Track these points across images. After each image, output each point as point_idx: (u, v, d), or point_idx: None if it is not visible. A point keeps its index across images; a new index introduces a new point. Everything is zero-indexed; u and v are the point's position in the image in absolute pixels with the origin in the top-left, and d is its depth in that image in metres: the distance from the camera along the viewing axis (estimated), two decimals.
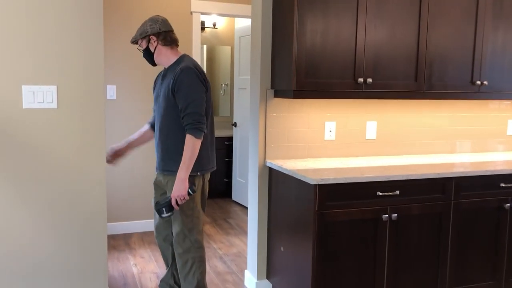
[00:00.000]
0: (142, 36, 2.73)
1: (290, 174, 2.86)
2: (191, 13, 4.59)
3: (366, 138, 3.45)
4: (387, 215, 2.80)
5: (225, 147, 5.89)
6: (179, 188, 2.57)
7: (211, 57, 6.52)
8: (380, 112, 3.46)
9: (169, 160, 2.72)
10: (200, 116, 2.59)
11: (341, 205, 2.72)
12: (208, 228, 4.77)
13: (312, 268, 2.68)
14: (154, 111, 2.89)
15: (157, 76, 2.91)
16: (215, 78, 6.57)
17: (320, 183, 2.63)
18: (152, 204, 2.84)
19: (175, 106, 2.64)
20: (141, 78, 4.47)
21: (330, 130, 3.34)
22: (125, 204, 4.49)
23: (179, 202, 2.60)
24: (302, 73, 2.86)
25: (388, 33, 3.04)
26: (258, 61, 3.17)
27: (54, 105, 2.69)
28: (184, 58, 2.75)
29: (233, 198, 5.89)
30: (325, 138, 3.34)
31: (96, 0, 2.66)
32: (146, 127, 3.04)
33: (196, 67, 2.66)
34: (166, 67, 2.80)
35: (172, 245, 2.87)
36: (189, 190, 2.60)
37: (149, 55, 2.78)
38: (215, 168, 2.86)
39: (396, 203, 2.83)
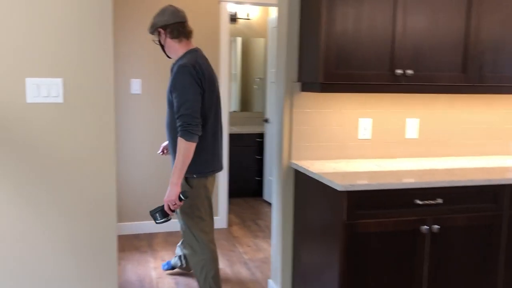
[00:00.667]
0: (152, 29, 2.70)
1: (316, 178, 2.55)
2: (219, 2, 4.32)
3: (406, 137, 3.08)
4: (427, 227, 2.44)
5: (256, 144, 5.61)
6: (170, 193, 2.54)
7: (246, 50, 6.25)
8: (422, 108, 3.08)
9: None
10: (192, 118, 2.50)
11: (373, 214, 2.38)
12: (236, 230, 4.51)
13: (340, 283, 2.36)
14: None
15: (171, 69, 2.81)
16: (249, 72, 6.30)
17: (349, 189, 2.30)
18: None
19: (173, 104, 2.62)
20: (167, 72, 4.25)
21: (365, 128, 2.99)
22: (151, 201, 4.29)
23: (172, 208, 2.56)
24: (331, 63, 2.53)
25: (431, 18, 2.66)
26: (284, 51, 2.86)
27: (60, 100, 2.49)
28: (187, 54, 2.66)
29: (265, 197, 5.61)
30: (360, 137, 2.99)
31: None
32: None
33: (195, 65, 2.56)
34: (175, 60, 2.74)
35: None
36: (181, 195, 2.55)
37: (162, 47, 2.75)
38: (220, 170, 2.85)
39: (438, 213, 2.47)
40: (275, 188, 3.06)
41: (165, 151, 3.13)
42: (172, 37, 2.65)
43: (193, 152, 2.54)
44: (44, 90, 2.46)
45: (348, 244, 2.34)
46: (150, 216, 2.69)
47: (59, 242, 2.50)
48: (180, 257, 3.44)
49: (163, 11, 2.66)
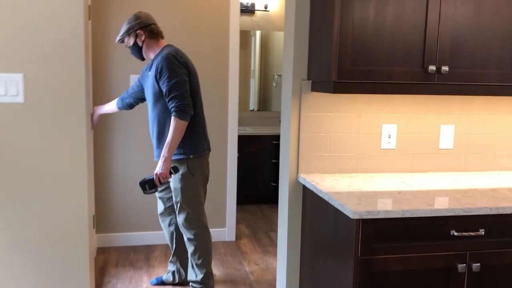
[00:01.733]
0: (129, 32, 2.77)
1: (326, 198, 2.07)
2: None
3: (440, 147, 2.56)
4: (465, 265, 1.94)
5: (273, 146, 5.14)
6: (162, 166, 2.69)
7: (265, 45, 5.78)
8: (460, 112, 2.55)
9: (159, 149, 2.82)
10: (184, 98, 2.67)
11: (396, 248, 1.89)
12: (245, 244, 4.07)
13: None
14: (128, 92, 3.07)
15: (145, 68, 2.93)
16: (268, 68, 5.83)
17: (364, 217, 1.82)
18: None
19: (162, 95, 2.72)
20: None
21: (389, 135, 2.49)
22: (149, 212, 3.89)
23: (162, 180, 2.72)
24: (346, 58, 2.04)
25: (475, 3, 2.14)
26: (291, 43, 2.39)
27: (20, 99, 2.10)
28: (164, 48, 2.81)
29: None
30: (382, 147, 2.49)
31: None
32: (115, 107, 3.13)
33: (177, 53, 2.76)
34: (152, 59, 2.85)
35: (175, 230, 3.09)
36: (171, 170, 2.73)
37: (137, 50, 2.83)
38: (210, 150, 2.99)
39: (480, 248, 1.96)
40: (281, 205, 2.60)
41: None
42: (151, 37, 2.80)
43: (185, 132, 2.71)
44: (1, 87, 2.07)
45: (362, 285, 1.86)
46: (139, 186, 2.76)
47: (19, 263, 2.11)
48: (173, 272, 3.21)
49: (136, 16, 2.78)
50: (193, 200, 2.90)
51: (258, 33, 5.71)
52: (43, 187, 2.13)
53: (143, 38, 2.77)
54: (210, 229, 4.00)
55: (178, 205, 2.88)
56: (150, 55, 2.84)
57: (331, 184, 2.21)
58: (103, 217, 3.83)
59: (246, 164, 4.98)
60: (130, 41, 2.78)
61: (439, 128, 2.54)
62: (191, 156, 2.82)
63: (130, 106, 3.13)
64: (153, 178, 2.72)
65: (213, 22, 3.86)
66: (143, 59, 2.88)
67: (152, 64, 2.81)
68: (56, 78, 2.11)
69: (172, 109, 2.66)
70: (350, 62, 2.05)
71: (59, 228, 2.17)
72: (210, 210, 3.96)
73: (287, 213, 2.46)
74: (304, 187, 2.38)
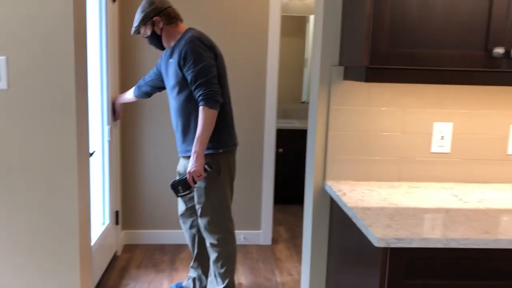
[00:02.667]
0: (145, 21, 2.47)
1: (350, 214, 1.65)
2: None
3: (509, 152, 2.04)
4: None
5: None
6: (195, 163, 2.39)
7: (301, 30, 5.29)
8: None
9: (191, 141, 2.49)
10: (212, 84, 2.37)
11: (436, 286, 1.44)
12: (281, 249, 3.69)
13: None
14: (145, 80, 2.85)
15: (164, 55, 2.64)
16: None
17: (393, 245, 1.39)
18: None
19: (186, 84, 2.44)
20: None
21: (442, 136, 2.01)
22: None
23: (196, 179, 2.43)
24: (382, 36, 1.60)
25: None
26: (320, 20, 1.97)
27: (2, 85, 1.85)
28: (186, 32, 2.51)
29: None
30: (433, 150, 2.02)
31: None
32: (132, 96, 2.96)
33: (202, 37, 2.47)
34: (172, 45, 2.54)
35: (197, 233, 2.79)
36: (206, 166, 2.42)
37: (156, 40, 2.54)
38: (237, 144, 2.68)
39: None
40: (305, 217, 2.20)
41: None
42: (169, 22, 2.49)
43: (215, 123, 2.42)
44: None
45: None
46: (171, 189, 2.51)
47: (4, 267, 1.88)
48: (194, 279, 2.91)
49: (148, 2, 2.47)
50: (219, 201, 2.59)
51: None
52: (27, 184, 1.88)
53: (161, 25, 2.48)
54: (243, 231, 3.71)
55: (201, 206, 2.58)
56: (171, 42, 2.54)
57: (361, 196, 1.78)
58: (130, 213, 3.60)
59: (291, 160, 4.58)
60: (148, 30, 2.49)
61: (508, 129, 2.02)
62: (220, 151, 2.51)
63: (147, 95, 2.86)
64: (186, 177, 2.44)
65: (249, 5, 3.48)
66: (163, 48, 2.59)
67: (173, 50, 2.51)
68: (43, 63, 1.84)
69: (200, 98, 2.36)
70: (387, 42, 1.60)
71: (45, 231, 1.91)
72: (243, 210, 3.64)
73: (311, 225, 2.06)
74: (332, 197, 1.96)
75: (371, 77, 1.63)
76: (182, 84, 2.46)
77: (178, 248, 3.60)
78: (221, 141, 2.51)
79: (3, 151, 1.86)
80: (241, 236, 3.68)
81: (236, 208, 3.71)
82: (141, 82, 2.84)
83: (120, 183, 3.44)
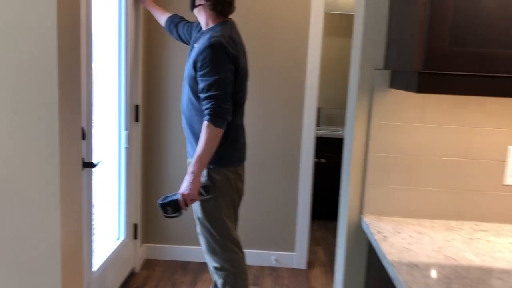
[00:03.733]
0: None
1: (390, 272, 1.22)
2: None
3: None
4: None
5: None
6: (190, 186, 2.13)
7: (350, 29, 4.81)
8: None
9: (192, 144, 2.28)
10: (224, 100, 2.10)
11: None
12: (317, 275, 3.26)
13: None
14: (178, 24, 2.58)
15: (196, 31, 2.35)
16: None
17: None
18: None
19: (197, 83, 2.17)
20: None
21: None
22: None
23: (188, 203, 2.17)
24: (442, 31, 1.16)
25: None
26: (361, 13, 1.54)
27: None
28: (219, 25, 2.19)
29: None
30: (507, 182, 1.54)
31: None
32: (163, 19, 2.66)
33: (229, 41, 2.12)
34: (201, 30, 2.28)
35: None
36: (201, 190, 2.16)
37: (192, 2, 2.26)
38: (244, 160, 2.35)
39: None
40: (336, 261, 1.78)
41: None
42: (212, 9, 2.19)
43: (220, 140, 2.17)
44: None
45: None
46: (158, 207, 2.21)
47: None
48: None
49: None
50: (216, 220, 2.27)
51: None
52: (3, 197, 1.59)
53: (202, 1, 2.20)
54: (275, 252, 3.31)
55: (198, 223, 2.31)
56: (201, 21, 2.28)
57: (408, 243, 1.34)
58: (151, 226, 3.30)
59: (334, 171, 4.13)
60: None
61: None
62: (211, 166, 2.21)
63: (171, 33, 2.63)
64: (178, 198, 2.15)
65: (289, 1, 3.08)
66: (191, 10, 2.30)
67: (200, 37, 2.24)
68: (23, 62, 1.54)
69: (206, 112, 2.10)
70: (448, 39, 1.16)
71: (23, 253, 1.61)
72: (275, 228, 3.26)
73: (343, 273, 1.64)
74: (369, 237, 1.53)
75: (425, 86, 1.19)
76: (193, 82, 2.20)
77: (202, 267, 3.25)
78: (216, 156, 2.19)
79: None
80: (272, 257, 3.29)
81: (267, 225, 3.34)
82: (176, 19, 2.60)
83: (140, 194, 3.14)
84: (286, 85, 3.16)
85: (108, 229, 2.79)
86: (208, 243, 2.27)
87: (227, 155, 2.21)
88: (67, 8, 1.61)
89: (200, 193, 2.15)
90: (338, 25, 4.52)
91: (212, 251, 2.28)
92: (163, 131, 3.19)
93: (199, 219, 2.26)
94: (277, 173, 3.23)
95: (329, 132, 4.26)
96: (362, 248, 1.59)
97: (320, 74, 3.19)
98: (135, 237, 3.09)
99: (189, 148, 2.32)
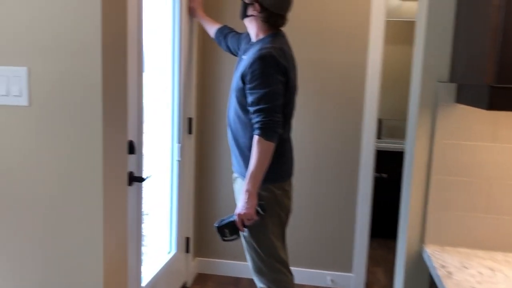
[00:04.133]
0: None
1: None
2: None
3: None
4: None
5: None
6: (246, 205, 2.05)
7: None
8: None
9: (237, 158, 2.22)
10: (274, 113, 2.04)
11: None
12: None
13: None
14: (226, 35, 2.54)
15: (245, 42, 2.31)
16: None
17: None
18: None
19: (244, 95, 2.11)
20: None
21: None
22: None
23: (246, 223, 2.09)
24: None
25: None
26: (423, 17, 1.39)
27: (23, 101, 1.56)
28: (270, 37, 2.13)
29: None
30: None
31: None
32: (213, 30, 2.63)
33: (280, 53, 2.05)
34: (251, 41, 2.23)
35: None
36: (258, 208, 2.07)
37: (243, 10, 2.19)
38: (290, 176, 2.25)
39: None
40: (396, 282, 1.61)
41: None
42: (264, 21, 2.14)
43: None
44: (2, 85, 1.56)
45: None
46: (215, 231, 2.14)
47: None
48: None
49: None
50: (262, 239, 2.18)
51: None
52: (44, 217, 1.58)
53: (255, 13, 2.14)
54: (331, 272, 3.14)
55: (244, 242, 2.22)
56: (251, 31, 2.23)
57: (478, 281, 1.17)
58: (204, 240, 3.25)
59: (397, 187, 3.90)
60: None
61: None
62: (268, 184, 2.12)
63: (220, 45, 2.62)
64: (235, 220, 2.09)
65: (347, 8, 2.93)
66: (242, 19, 2.23)
67: (249, 48, 2.19)
68: (67, 76, 1.52)
69: (257, 125, 2.04)
70: None
71: (64, 268, 1.59)
72: (331, 246, 3.10)
73: None
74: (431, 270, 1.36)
75: (497, 102, 1.03)
76: (240, 94, 2.15)
77: (254, 285, 3.15)
78: (271, 172, 2.10)
79: (19, 176, 1.58)
80: (328, 278, 3.13)
81: (323, 243, 3.18)
82: (225, 30, 2.57)
83: (192, 207, 3.09)
84: (344, 96, 3.00)
85: (160, 242, 2.77)
86: (254, 263, 2.18)
87: (273, 170, 2.11)
88: (112, 20, 1.58)
89: (257, 212, 2.07)
90: (402, 32, 4.29)
91: (259, 271, 2.18)
92: (217, 143, 3.14)
93: (245, 237, 2.18)
94: (334, 188, 3.07)
95: (392, 145, 4.04)
96: (423, 282, 1.42)
97: (381, 84, 3.02)
98: (187, 250, 3.04)
99: (234, 161, 2.26)
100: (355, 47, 2.97)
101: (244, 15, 2.20)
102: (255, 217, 2.08)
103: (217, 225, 2.13)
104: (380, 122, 4.26)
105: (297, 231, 3.13)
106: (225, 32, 2.55)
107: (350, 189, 3.08)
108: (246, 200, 2.05)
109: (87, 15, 1.49)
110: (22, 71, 1.54)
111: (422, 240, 1.42)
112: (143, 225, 2.33)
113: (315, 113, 3.04)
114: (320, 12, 2.96)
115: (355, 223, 3.10)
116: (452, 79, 1.33)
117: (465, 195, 1.36)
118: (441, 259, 1.30)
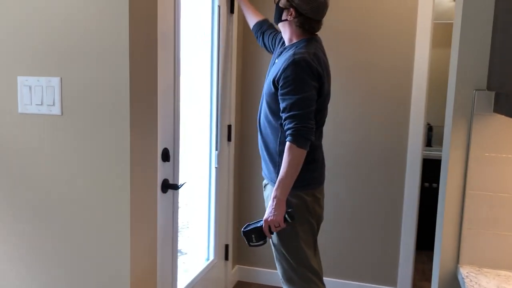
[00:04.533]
0: None
1: None
2: None
3: None
4: None
5: None
6: (274, 211, 2.02)
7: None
8: None
9: (266, 164, 2.21)
10: (307, 120, 2.00)
11: None
12: None
13: None
14: (265, 31, 2.50)
15: (279, 46, 2.27)
16: None
17: None
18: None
19: (275, 101, 2.08)
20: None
21: None
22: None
23: (273, 230, 2.07)
24: None
25: None
26: (458, 28, 1.29)
27: (56, 110, 1.60)
28: (304, 41, 2.09)
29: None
30: None
31: None
32: (253, 21, 2.58)
33: (314, 59, 2.02)
34: (284, 45, 2.20)
35: None
36: (286, 216, 2.03)
37: (278, 15, 2.16)
38: (321, 183, 2.21)
39: None
40: None
41: None
42: (298, 26, 2.10)
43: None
44: (37, 94, 1.61)
45: None
46: (242, 236, 2.16)
47: None
48: None
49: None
50: (293, 247, 2.13)
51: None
52: (75, 220, 1.61)
53: (291, 18, 2.11)
54: (375, 286, 3.02)
55: (274, 250, 2.19)
56: (284, 35, 2.19)
57: None
58: (244, 247, 3.22)
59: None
60: (282, 2, 2.13)
61: None
62: (298, 191, 2.09)
63: (257, 39, 2.57)
64: (262, 225, 2.07)
65: (391, 9, 2.82)
66: (276, 23, 2.22)
67: (283, 52, 2.16)
68: (97, 86, 1.55)
69: (289, 132, 2.00)
70: None
71: (90, 274, 1.61)
72: (375, 259, 3.00)
73: None
74: None
75: None
76: (271, 98, 2.12)
77: None
78: (301, 179, 2.06)
79: (51, 182, 1.62)
80: None
81: (365, 255, 3.06)
82: (264, 25, 2.52)
83: (232, 214, 3.08)
84: (389, 101, 2.89)
85: (199, 250, 2.77)
86: (284, 272, 2.13)
87: (304, 177, 2.06)
88: (141, 28, 1.59)
89: (285, 219, 2.04)
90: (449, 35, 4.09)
91: (289, 280, 2.13)
92: (256, 150, 3.11)
93: (274, 245, 2.14)
94: (377, 198, 2.96)
95: (440, 153, 3.85)
96: None
97: (432, 89, 2.88)
98: (226, 258, 3.03)
99: (264, 167, 2.24)
100: (401, 52, 2.85)
101: (279, 19, 2.17)
102: (283, 225, 2.05)
103: (243, 230, 2.12)
104: (430, 129, 4.07)
105: (337, 240, 3.04)
106: (264, 28, 2.52)
107: (395, 199, 2.95)
108: (274, 207, 2.03)
109: (114, 23, 1.51)
110: (55, 81, 1.58)
111: (457, 259, 1.32)
112: (181, 232, 2.34)
113: (359, 118, 2.94)
114: (366, 14, 2.87)
115: (400, 234, 2.97)
116: (489, 87, 1.23)
117: (504, 213, 1.25)
118: (477, 282, 1.20)
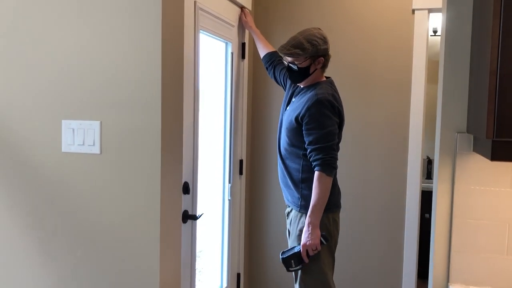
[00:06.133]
0: (310, 54, 2.28)
1: None
2: (413, 11, 3.03)
3: None
4: None
5: None
6: (311, 236, 2.23)
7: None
8: None
9: (290, 190, 2.43)
10: (332, 151, 2.28)
11: None
12: None
13: None
14: (276, 66, 2.72)
15: (290, 88, 2.52)
16: None
17: None
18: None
19: (297, 134, 2.34)
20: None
21: None
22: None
23: (310, 253, 2.26)
24: None
25: None
26: (441, 72, 1.54)
27: (96, 149, 1.84)
28: (323, 83, 2.37)
29: None
30: None
31: (153, 10, 1.71)
32: (264, 52, 2.83)
33: (334, 96, 2.32)
34: (298, 86, 2.45)
35: None
36: (322, 239, 2.25)
37: (302, 75, 2.35)
38: (340, 207, 2.45)
39: None
40: None
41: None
42: (322, 67, 2.37)
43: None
44: (79, 136, 1.85)
45: None
46: (282, 263, 2.32)
47: None
48: None
49: (324, 38, 2.33)
50: (315, 268, 2.32)
51: None
52: (109, 251, 1.82)
53: (319, 66, 2.34)
54: None
55: (296, 275, 2.37)
56: (308, 82, 2.40)
57: None
58: (255, 275, 3.39)
59: None
60: (304, 63, 2.30)
61: None
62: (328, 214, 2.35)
63: (267, 70, 2.82)
64: (300, 251, 2.27)
65: (392, 48, 3.08)
66: (299, 82, 2.42)
67: (301, 91, 2.39)
68: (131, 127, 1.79)
69: (317, 162, 2.26)
70: None
71: None
72: (379, 287, 3.14)
73: None
74: None
75: (499, 154, 1.15)
76: (293, 134, 2.36)
77: None
78: (331, 202, 2.32)
79: (90, 213, 1.83)
80: None
81: (368, 283, 3.22)
82: (273, 57, 2.75)
83: (243, 244, 3.27)
84: (388, 135, 3.10)
85: (213, 278, 2.94)
86: None
87: (331, 200, 2.30)
88: (170, 78, 1.83)
89: (321, 242, 2.24)
90: None
91: None
92: (266, 183, 3.32)
93: (298, 271, 2.32)
94: (379, 229, 3.14)
95: None
96: None
97: (426, 123, 3.10)
98: (238, 286, 3.20)
99: (287, 195, 2.45)
100: (398, 87, 3.06)
101: (306, 76, 2.34)
102: (319, 248, 2.25)
103: (283, 257, 2.31)
104: (430, 162, 4.28)
105: (342, 272, 3.17)
106: (275, 62, 2.75)
107: (396, 231, 3.12)
108: (311, 232, 2.23)
109: (148, 76, 1.76)
110: (96, 124, 1.82)
111: (447, 278, 1.51)
112: (197, 261, 2.53)
113: (360, 152, 3.14)
114: (365, 52, 3.10)
115: (402, 264, 3.13)
116: (468, 130, 1.46)
117: (486, 237, 1.46)
118: None
